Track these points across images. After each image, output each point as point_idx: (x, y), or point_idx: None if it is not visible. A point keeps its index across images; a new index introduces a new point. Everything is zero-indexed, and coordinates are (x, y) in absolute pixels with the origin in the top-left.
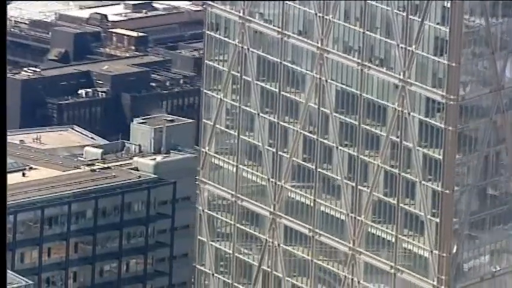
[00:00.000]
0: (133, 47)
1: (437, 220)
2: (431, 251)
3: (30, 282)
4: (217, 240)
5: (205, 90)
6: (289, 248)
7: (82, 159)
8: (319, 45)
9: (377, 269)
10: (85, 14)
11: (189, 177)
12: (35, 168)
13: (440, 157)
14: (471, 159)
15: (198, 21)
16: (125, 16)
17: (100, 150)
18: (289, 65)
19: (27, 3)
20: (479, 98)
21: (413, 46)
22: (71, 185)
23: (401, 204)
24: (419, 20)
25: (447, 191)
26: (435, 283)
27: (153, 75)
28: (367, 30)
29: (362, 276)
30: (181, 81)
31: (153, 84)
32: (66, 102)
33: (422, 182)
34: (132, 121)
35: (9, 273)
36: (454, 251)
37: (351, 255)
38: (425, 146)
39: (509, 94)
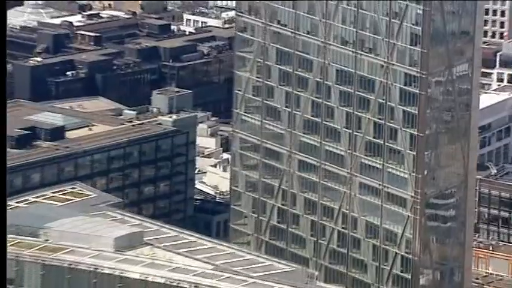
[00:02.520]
0: (92, 43)
1: (414, 153)
2: (410, 174)
3: (121, 200)
4: (247, 169)
5: (236, 72)
6: (302, 174)
7: (122, 117)
8: (323, 40)
9: (369, 186)
10: (57, 21)
11: (193, 129)
12: (95, 125)
13: (416, 112)
14: (435, 113)
15: (131, 25)
16: (83, 23)
17: (134, 112)
18: (300, 53)
19: (11, 13)
20: (439, 72)
21: (395, 40)
22: (122, 135)
23: (386, 144)
24: (399, 22)
25: (421, 134)
26: (413, 194)
27: (113, 61)
28: (360, 30)
29: (357, 192)
30: (132, 65)
31: (114, 67)
32: (61, 80)
33: (402, 128)
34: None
35: (103, 193)
36: (425, 173)
37: (349, 177)
38: (404, 105)
39: (458, 70)
